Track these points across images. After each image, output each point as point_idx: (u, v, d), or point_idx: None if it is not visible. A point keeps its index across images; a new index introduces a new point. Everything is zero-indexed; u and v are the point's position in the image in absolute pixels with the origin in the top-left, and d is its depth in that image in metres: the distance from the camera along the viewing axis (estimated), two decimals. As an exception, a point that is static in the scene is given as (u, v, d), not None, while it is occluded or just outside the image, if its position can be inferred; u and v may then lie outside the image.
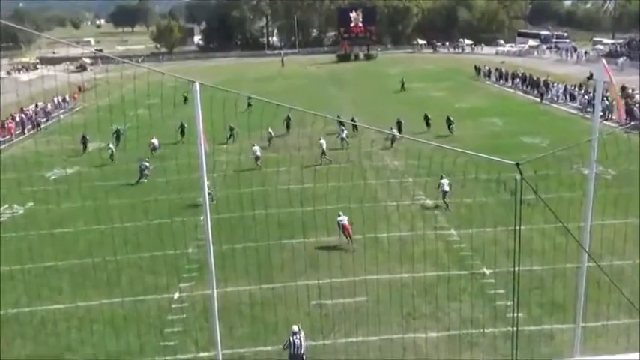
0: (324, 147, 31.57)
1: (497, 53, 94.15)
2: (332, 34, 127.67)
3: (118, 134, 36.18)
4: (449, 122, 38.17)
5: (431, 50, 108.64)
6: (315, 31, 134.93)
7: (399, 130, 35.10)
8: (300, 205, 23.31)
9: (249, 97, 38.24)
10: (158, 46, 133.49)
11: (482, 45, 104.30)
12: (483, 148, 31.47)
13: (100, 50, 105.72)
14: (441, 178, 24.05)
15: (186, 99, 43.64)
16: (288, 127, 37.83)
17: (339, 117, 35.79)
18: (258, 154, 31.90)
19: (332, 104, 51.03)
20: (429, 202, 25.01)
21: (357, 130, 36.78)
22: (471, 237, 19.77)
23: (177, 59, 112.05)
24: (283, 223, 22.51)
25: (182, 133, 36.42)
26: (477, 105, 49.79)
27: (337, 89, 62.97)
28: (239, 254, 19.76)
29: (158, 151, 34.20)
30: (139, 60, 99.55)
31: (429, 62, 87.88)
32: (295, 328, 13.88)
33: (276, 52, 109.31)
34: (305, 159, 31.89)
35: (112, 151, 33.66)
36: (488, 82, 64.22)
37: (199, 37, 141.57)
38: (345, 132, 35.17)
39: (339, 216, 20.99)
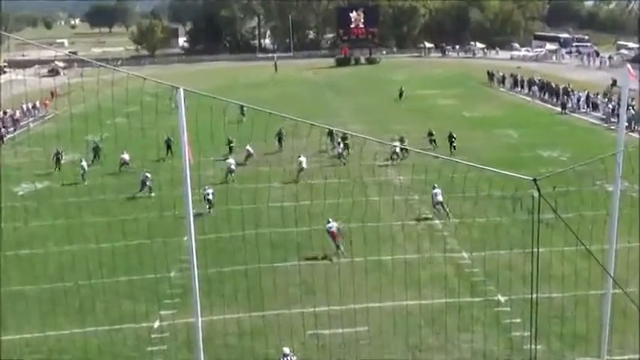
0: (304, 164, 31.86)
1: (512, 58, 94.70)
2: (330, 36, 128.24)
3: (96, 149, 35.98)
4: (451, 139, 36.50)
5: (439, 54, 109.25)
6: (311, 32, 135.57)
7: (402, 150, 34.76)
8: (294, 225, 23.29)
9: (242, 107, 38.37)
10: (138, 48, 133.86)
11: (497, 49, 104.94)
12: (497, 162, 31.54)
13: (75, 53, 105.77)
14: (434, 187, 25.43)
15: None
16: (280, 142, 37.57)
17: (329, 132, 35.72)
18: (233, 167, 32.26)
19: (330, 113, 51.22)
20: (438, 222, 25.03)
21: (347, 148, 35.73)
22: (484, 260, 19.75)
23: (160, 63, 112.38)
24: (276, 243, 22.47)
25: (169, 148, 36.17)
26: (489, 114, 50.01)
27: (336, 97, 63.21)
28: (226, 278, 19.70)
29: (129, 167, 34.20)
30: (118, 64, 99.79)
31: (436, 67, 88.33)
32: (286, 350, 14.00)
33: (269, 55, 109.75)
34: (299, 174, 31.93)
35: (84, 170, 33.01)
36: (502, 90, 64.56)
37: (184, 38, 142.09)
38: (341, 146, 35.10)
39: (328, 222, 22.25)
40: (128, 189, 30.27)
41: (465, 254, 21.87)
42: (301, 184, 30.01)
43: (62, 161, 35.70)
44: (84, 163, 33.30)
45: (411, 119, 48.29)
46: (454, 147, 36.20)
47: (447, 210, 25.23)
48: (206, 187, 27.45)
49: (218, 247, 21.84)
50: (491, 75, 69.28)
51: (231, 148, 36.72)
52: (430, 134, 37.82)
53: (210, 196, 27.07)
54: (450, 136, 36.64)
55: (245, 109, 42.52)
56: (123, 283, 20.07)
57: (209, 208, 26.93)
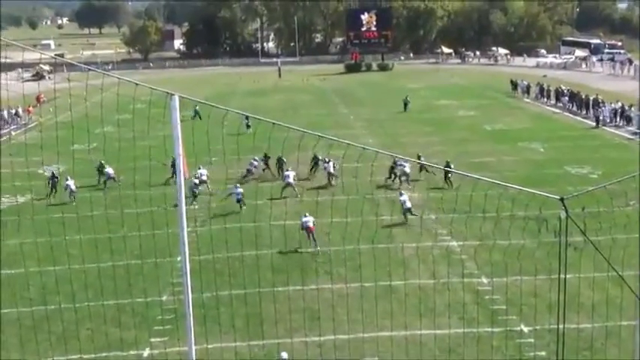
0: (290, 180, 31.67)
1: (538, 65, 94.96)
2: (339, 39, 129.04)
3: (100, 169, 35.04)
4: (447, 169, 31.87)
5: (458, 60, 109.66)
6: (319, 35, 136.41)
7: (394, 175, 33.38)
8: (298, 245, 23.25)
9: (247, 117, 38.20)
10: (131, 51, 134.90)
11: (524, 55, 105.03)
12: (521, 179, 31.54)
13: (61, 55, 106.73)
14: (400, 194, 28.08)
15: (197, 114, 45.98)
16: (280, 169, 35.21)
17: (315, 155, 34.25)
18: (204, 178, 32.33)
19: (338, 124, 51.39)
20: (455, 244, 24.98)
21: (335, 179, 33.33)
22: (506, 286, 19.69)
23: (154, 67, 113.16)
24: (278, 266, 22.45)
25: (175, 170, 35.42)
26: (513, 127, 50.03)
27: (345, 106, 63.36)
28: (223, 304, 19.68)
29: (116, 182, 34.14)
30: (108, 68, 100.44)
31: (455, 75, 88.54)
32: (284, 355, 14.11)
33: (272, 60, 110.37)
34: (304, 189, 31.95)
35: (72, 190, 32.40)
36: (527, 100, 64.61)
37: (180, 41, 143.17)
38: (332, 163, 33.13)
39: (305, 216, 24.54)
40: (116, 204, 30.27)
41: (484, 280, 21.81)
42: (306, 201, 30.02)
43: (46, 173, 35.32)
44: (70, 182, 32.43)
45: (426, 132, 48.37)
46: (450, 181, 32.37)
47: (415, 214, 27.18)
48: (237, 186, 30.34)
49: (214, 269, 21.84)
50: (514, 84, 69.33)
51: (254, 171, 35.66)
52: (419, 157, 33.72)
53: (241, 196, 29.67)
54: (447, 166, 32.21)
55: (250, 121, 42.43)
56: (110, 307, 20.08)
57: (241, 206, 29.73)
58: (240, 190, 30.04)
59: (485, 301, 20.38)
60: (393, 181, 33.41)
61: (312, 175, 35.12)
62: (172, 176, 33.43)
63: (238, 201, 29.78)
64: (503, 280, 20.02)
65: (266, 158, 35.62)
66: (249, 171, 34.99)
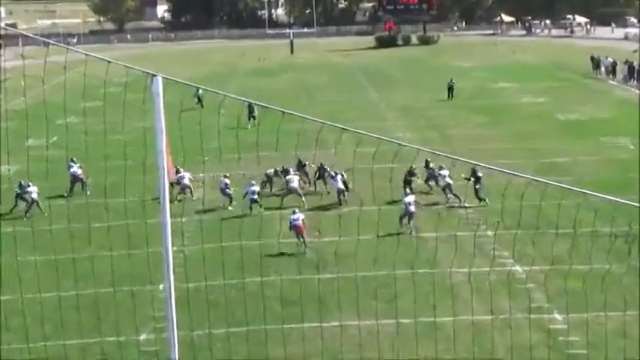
0: (294, 184, 32.01)
1: (626, 37, 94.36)
2: (369, 5, 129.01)
3: (76, 180, 34.84)
4: (476, 178, 31.00)
5: (522, 32, 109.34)
6: (342, 0, 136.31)
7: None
8: (315, 271, 23.19)
9: (251, 106, 38.07)
10: (102, 20, 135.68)
11: (613, 25, 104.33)
12: (605, 185, 31.29)
13: (13, 25, 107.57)
14: (406, 195, 28.95)
15: (199, 100, 47.67)
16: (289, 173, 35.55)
17: (321, 164, 33.49)
18: (186, 182, 32.52)
19: (366, 114, 51.32)
20: (519, 269, 24.82)
21: (347, 186, 32.40)
22: (586, 324, 19.52)
23: (132, 40, 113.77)
24: (289, 297, 22.40)
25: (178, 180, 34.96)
26: (594, 117, 49.79)
27: (375, 90, 63.34)
28: (219, 344, 19.69)
29: (84, 186, 34.27)
30: (73, 41, 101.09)
31: (519, 50, 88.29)
32: None
33: (282, 31, 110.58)
34: (322, 197, 31.91)
35: (32, 199, 31.85)
36: (611, 82, 64.30)
37: (165, 7, 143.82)
38: (340, 177, 32.32)
39: (294, 213, 26.71)
40: (82, 215, 30.33)
41: (558, 316, 21.66)
42: (323, 213, 29.99)
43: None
44: (31, 189, 31.90)
45: (480, 124, 48.22)
46: (479, 192, 31.13)
47: (411, 226, 28.14)
48: (252, 183, 31.34)
49: (207, 300, 21.85)
50: (596, 62, 68.97)
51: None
52: (411, 174, 32.11)
53: (256, 196, 30.99)
54: (475, 175, 30.98)
55: (256, 112, 42.36)
56: (72, 347, 20.14)
57: (255, 207, 30.89)
58: (256, 187, 31.18)
59: (559, 344, 20.23)
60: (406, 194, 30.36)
61: (324, 187, 34.34)
62: (179, 191, 32.90)
63: (253, 201, 30.89)
64: (583, 317, 19.84)
65: (302, 166, 34.41)
66: (267, 177, 34.54)
